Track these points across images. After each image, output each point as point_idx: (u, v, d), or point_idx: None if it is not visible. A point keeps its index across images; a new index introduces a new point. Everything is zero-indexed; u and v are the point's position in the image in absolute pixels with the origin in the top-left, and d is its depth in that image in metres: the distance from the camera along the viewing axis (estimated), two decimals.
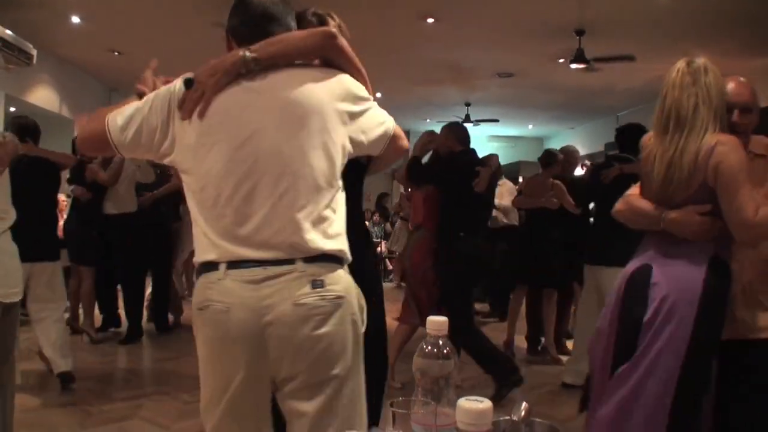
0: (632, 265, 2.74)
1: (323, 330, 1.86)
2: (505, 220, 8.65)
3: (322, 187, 1.90)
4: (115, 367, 6.16)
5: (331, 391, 1.89)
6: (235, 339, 1.84)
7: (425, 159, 5.43)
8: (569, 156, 6.98)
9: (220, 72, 1.89)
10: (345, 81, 2.01)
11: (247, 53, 1.89)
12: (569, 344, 6.53)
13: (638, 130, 5.30)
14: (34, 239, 5.25)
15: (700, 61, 2.68)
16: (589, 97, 11.99)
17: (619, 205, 2.82)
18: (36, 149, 5.57)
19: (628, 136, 5.49)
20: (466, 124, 13.68)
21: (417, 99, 12.62)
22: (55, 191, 5.77)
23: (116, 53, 9.50)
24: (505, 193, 8.58)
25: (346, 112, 1.97)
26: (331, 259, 1.90)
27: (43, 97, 9.62)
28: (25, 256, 5.13)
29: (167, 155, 1.93)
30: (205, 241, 1.89)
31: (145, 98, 1.95)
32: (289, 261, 1.84)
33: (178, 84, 1.92)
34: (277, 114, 1.90)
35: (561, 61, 9.19)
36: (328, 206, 1.92)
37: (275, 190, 1.86)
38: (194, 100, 1.87)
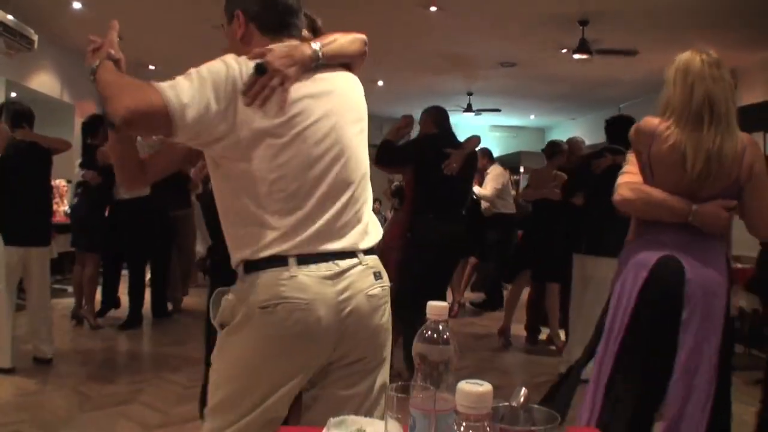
0: (647, 257, 2.69)
1: (386, 318, 1.99)
2: (497, 209, 8.67)
3: (369, 186, 2.04)
4: (114, 352, 6.18)
5: (383, 371, 2.00)
6: (311, 336, 1.84)
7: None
8: (574, 147, 6.98)
9: (298, 63, 1.90)
10: (361, 89, 2.14)
11: (318, 49, 1.94)
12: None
13: (628, 123, 5.29)
14: (30, 224, 5.37)
15: (713, 54, 2.69)
16: (591, 88, 11.97)
17: (628, 194, 2.72)
18: (31, 134, 5.56)
19: (618, 128, 5.48)
20: (467, 114, 13.76)
21: (419, 88, 12.59)
22: (49, 176, 5.76)
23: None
24: (489, 181, 8.59)
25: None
26: (375, 251, 2.00)
27: (45, 82, 9.59)
28: (22, 241, 5.27)
29: (220, 140, 1.84)
30: (272, 234, 1.84)
31: (194, 77, 1.80)
32: (354, 254, 1.91)
33: (243, 68, 1.84)
34: (346, 113, 1.98)
35: (564, 51, 9.15)
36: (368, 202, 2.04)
37: (350, 188, 1.94)
38: (272, 89, 1.84)
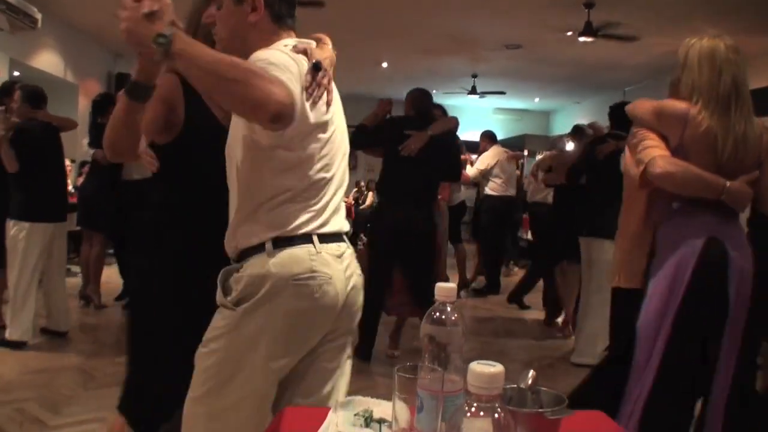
0: (691, 240, 2.71)
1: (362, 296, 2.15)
2: (484, 191, 8.68)
3: None
4: (119, 331, 6.17)
5: (350, 345, 2.17)
6: (328, 308, 1.98)
7: None
8: (597, 132, 6.94)
9: (333, 64, 2.09)
10: None
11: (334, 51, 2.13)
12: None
13: None
14: (53, 200, 5.61)
15: (730, 39, 2.75)
16: (596, 71, 11.92)
17: (670, 167, 2.69)
18: (48, 115, 5.69)
19: (622, 114, 5.47)
20: (471, 96, 13.73)
21: (423, 70, 12.53)
22: (63, 154, 5.92)
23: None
24: (477, 162, 8.63)
25: None
26: None
27: (48, 61, 9.56)
28: (50, 216, 5.51)
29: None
30: (305, 216, 1.97)
31: (289, 70, 1.82)
32: (344, 239, 2.08)
33: (303, 66, 1.92)
34: (340, 116, 2.13)
35: (569, 34, 9.12)
36: None
37: (345, 177, 2.12)
38: (325, 87, 1.97)
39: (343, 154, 2.11)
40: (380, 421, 1.51)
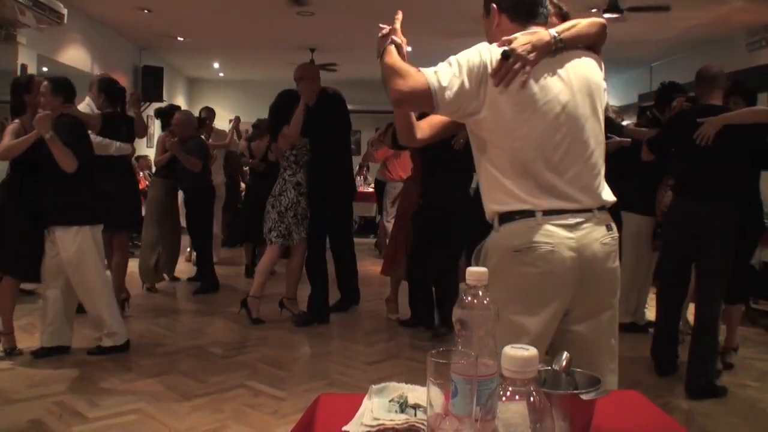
0: None
1: (616, 263, 2.32)
2: None
3: (603, 154, 2.35)
4: (151, 324, 6.24)
5: (608, 317, 2.32)
6: (556, 273, 2.19)
7: None
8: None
9: (538, 50, 2.19)
10: (602, 67, 2.41)
11: (556, 36, 2.24)
12: None
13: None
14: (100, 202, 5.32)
15: None
16: (622, 47, 11.75)
17: None
18: (78, 111, 5.55)
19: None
20: None
21: (448, 54, 12.36)
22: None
23: (146, 11, 9.47)
24: None
25: (604, 93, 2.38)
26: (608, 208, 2.33)
27: (75, 56, 9.62)
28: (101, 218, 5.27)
29: (473, 114, 2.22)
30: (519, 194, 2.21)
31: (455, 63, 2.20)
32: (589, 210, 2.24)
33: (492, 54, 2.18)
34: (578, 91, 2.25)
35: (594, 11, 9.02)
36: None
37: (584, 154, 2.26)
38: (515, 72, 2.16)
39: (567, 131, 2.22)
40: (415, 407, 1.51)
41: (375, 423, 1.47)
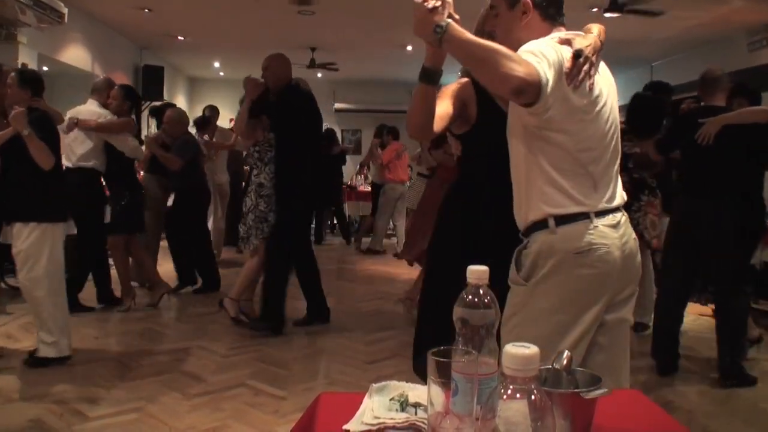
0: None
1: (640, 256, 2.39)
2: None
3: None
4: (153, 323, 6.24)
5: (630, 307, 2.39)
6: (609, 274, 2.23)
7: None
8: None
9: (597, 52, 2.22)
10: None
11: (602, 41, 2.28)
12: None
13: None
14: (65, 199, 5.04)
15: None
16: (622, 47, 11.75)
17: None
18: (46, 105, 5.18)
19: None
20: None
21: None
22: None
23: (147, 10, 9.47)
24: None
25: None
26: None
27: (75, 56, 9.62)
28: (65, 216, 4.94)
29: (546, 110, 2.12)
30: (576, 194, 2.21)
31: (541, 55, 2.06)
32: (620, 209, 2.31)
33: (564, 53, 2.13)
34: (612, 95, 2.32)
35: (594, 10, 9.02)
36: None
37: (617, 155, 2.34)
38: (586, 73, 2.15)
39: (613, 132, 2.29)
40: (416, 405, 1.51)
41: (375, 422, 1.47)
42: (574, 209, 2.21)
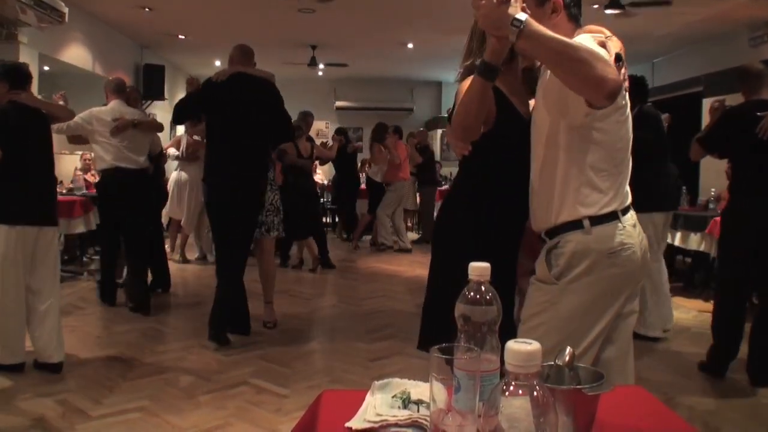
0: None
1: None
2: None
3: None
4: (155, 322, 6.24)
5: (637, 302, 2.41)
6: (633, 272, 2.27)
7: None
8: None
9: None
10: None
11: None
12: None
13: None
14: (39, 200, 4.73)
15: None
16: (624, 43, 11.79)
17: None
18: (35, 99, 4.92)
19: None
20: None
21: (449, 50, 12.39)
22: (50, 146, 4.96)
23: (147, 9, 9.46)
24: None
25: None
26: None
27: (76, 55, 9.61)
28: (30, 219, 4.61)
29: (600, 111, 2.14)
30: (609, 193, 2.23)
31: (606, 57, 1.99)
32: (631, 207, 2.32)
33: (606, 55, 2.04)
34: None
35: (595, 7, 9.01)
36: None
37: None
38: (624, 74, 2.14)
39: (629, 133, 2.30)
40: (418, 403, 1.51)
41: (378, 419, 1.47)
42: (606, 209, 2.23)
